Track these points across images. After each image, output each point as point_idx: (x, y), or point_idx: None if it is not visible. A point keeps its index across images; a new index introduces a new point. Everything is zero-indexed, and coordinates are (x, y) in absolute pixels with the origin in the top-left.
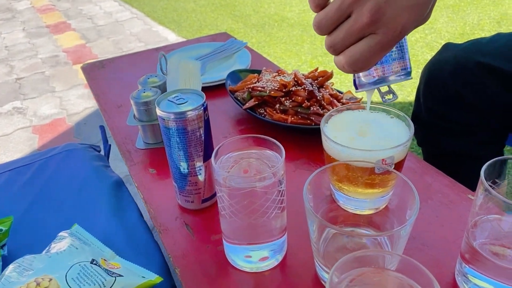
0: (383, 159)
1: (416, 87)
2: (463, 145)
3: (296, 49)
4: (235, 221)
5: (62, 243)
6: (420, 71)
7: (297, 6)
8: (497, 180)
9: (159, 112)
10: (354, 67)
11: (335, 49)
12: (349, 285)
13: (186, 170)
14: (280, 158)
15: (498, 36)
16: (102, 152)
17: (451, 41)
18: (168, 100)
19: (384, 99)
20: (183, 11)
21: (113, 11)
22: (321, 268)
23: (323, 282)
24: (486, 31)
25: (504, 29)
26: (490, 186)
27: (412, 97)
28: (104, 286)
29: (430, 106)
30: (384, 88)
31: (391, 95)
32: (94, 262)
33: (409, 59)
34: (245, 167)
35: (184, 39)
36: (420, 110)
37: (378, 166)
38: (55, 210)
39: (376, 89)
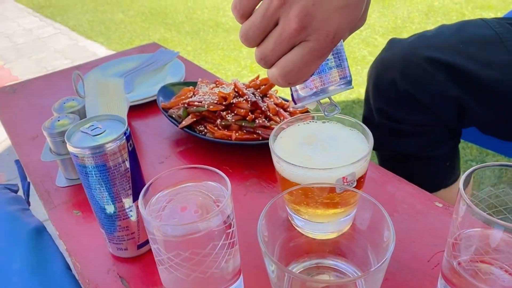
0: (343, 177)
1: (359, 85)
2: (417, 145)
3: (235, 54)
4: (177, 275)
5: None
6: (360, 68)
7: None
8: (475, 192)
9: (70, 148)
10: (288, 80)
11: (266, 61)
12: None
13: (113, 213)
14: (226, 190)
15: (443, 28)
16: (21, 192)
17: (385, 35)
18: (82, 132)
19: (326, 113)
20: (111, 23)
21: (33, 27)
22: None
23: None
24: (416, 24)
25: (432, 21)
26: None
27: (354, 95)
28: None
29: (380, 107)
30: (325, 101)
31: (334, 107)
32: None
33: (348, 66)
34: (183, 204)
35: (115, 52)
36: (371, 112)
37: (339, 186)
38: None
39: (317, 103)
